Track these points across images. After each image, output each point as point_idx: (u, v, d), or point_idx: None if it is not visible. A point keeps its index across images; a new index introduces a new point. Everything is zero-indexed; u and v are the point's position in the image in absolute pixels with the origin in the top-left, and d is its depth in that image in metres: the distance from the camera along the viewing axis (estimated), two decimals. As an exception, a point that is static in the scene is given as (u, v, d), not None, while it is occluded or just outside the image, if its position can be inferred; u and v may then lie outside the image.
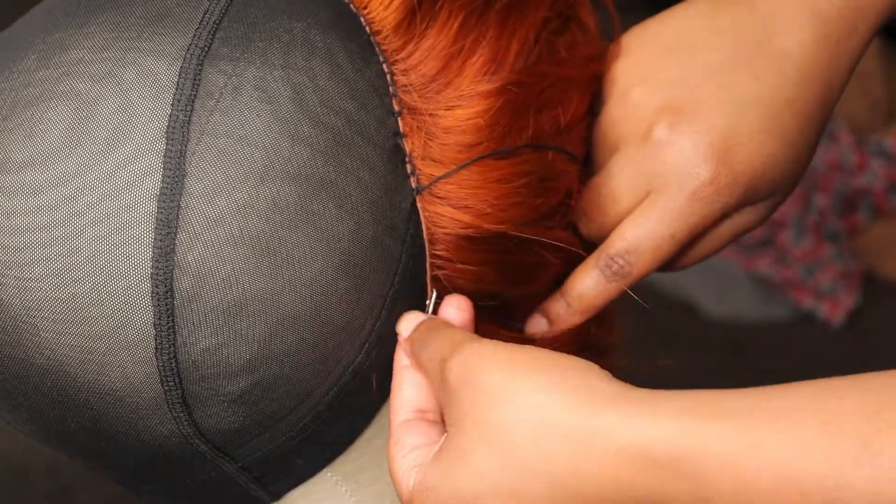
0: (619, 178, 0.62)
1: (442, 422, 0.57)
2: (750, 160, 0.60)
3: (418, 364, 0.57)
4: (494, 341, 0.55)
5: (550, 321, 0.64)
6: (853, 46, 0.63)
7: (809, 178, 2.08)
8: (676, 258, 0.65)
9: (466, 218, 0.59)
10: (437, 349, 0.55)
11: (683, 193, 0.61)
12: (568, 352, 0.56)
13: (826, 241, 2.14)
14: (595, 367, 0.52)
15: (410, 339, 0.58)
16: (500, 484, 0.51)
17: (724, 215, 0.62)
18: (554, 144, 0.62)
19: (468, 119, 0.58)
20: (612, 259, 0.62)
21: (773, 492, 0.46)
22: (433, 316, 0.59)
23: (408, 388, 0.58)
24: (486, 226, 0.59)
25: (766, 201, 0.63)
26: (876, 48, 2.09)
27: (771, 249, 2.14)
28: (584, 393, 0.51)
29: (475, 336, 0.56)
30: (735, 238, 0.65)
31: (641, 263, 0.62)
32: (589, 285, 0.63)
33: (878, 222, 2.17)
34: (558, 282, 0.64)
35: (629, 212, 0.62)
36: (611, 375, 0.52)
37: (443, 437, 0.54)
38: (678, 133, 0.61)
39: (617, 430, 0.49)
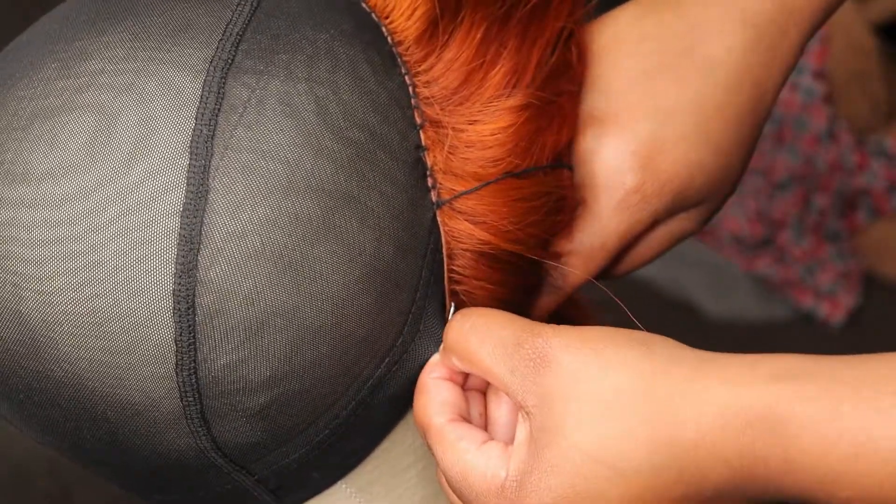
0: None
1: (475, 424, 0.58)
2: (675, 167, 0.61)
3: (471, 357, 0.57)
4: (564, 325, 0.55)
5: None
6: (785, 50, 0.63)
7: (809, 178, 2.08)
8: (612, 266, 0.65)
9: (485, 235, 0.59)
10: (507, 335, 0.55)
11: (611, 203, 0.61)
12: None
13: (826, 241, 2.14)
14: (670, 339, 0.54)
15: (459, 332, 0.57)
16: (601, 453, 0.52)
17: (656, 222, 0.63)
18: (568, 160, 0.62)
19: (491, 134, 0.58)
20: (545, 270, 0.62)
21: (854, 456, 0.48)
22: (484, 309, 0.59)
23: (445, 391, 0.58)
24: (503, 244, 0.59)
25: (700, 207, 0.64)
26: (876, 48, 2.09)
27: (771, 249, 2.13)
28: (673, 362, 0.52)
29: (539, 322, 0.56)
30: (672, 244, 0.65)
31: (573, 275, 0.62)
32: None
33: (878, 222, 2.17)
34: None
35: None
36: (685, 345, 0.53)
37: (525, 424, 0.54)
38: (602, 143, 0.61)
39: (712, 395, 0.51)
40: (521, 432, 0.54)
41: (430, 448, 0.58)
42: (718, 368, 0.51)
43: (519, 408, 0.55)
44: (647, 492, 0.52)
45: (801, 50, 0.64)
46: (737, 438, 0.50)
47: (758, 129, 0.64)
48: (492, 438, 0.57)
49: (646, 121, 0.61)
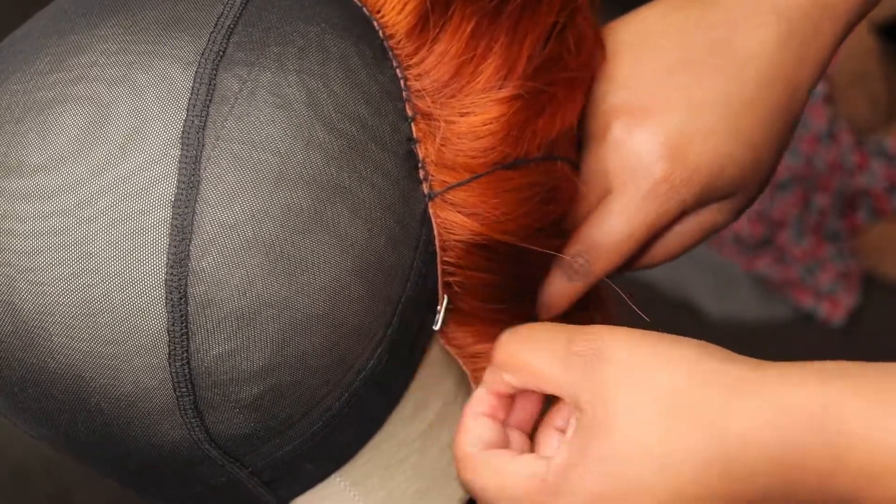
0: (583, 177, 0.63)
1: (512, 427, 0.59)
2: (705, 159, 0.61)
3: (523, 366, 0.57)
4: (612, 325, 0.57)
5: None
6: (819, 46, 0.63)
7: (809, 178, 2.08)
8: (640, 256, 0.65)
9: (477, 226, 0.59)
10: (558, 337, 0.56)
11: (640, 192, 0.61)
12: None
13: (826, 241, 2.14)
14: (718, 347, 0.55)
15: (508, 345, 0.58)
16: (652, 447, 0.53)
17: (684, 212, 0.63)
18: (561, 151, 0.62)
19: (482, 125, 0.58)
20: (572, 258, 0.62)
21: None
22: (530, 323, 0.60)
23: (483, 427, 0.58)
24: (496, 235, 0.59)
25: (729, 201, 0.64)
26: (876, 48, 2.09)
27: (771, 249, 2.14)
28: (728, 361, 0.53)
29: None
30: (702, 237, 0.65)
31: (601, 263, 0.62)
32: (552, 286, 0.63)
33: (878, 222, 2.17)
34: None
35: (590, 210, 0.63)
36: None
37: (575, 421, 0.55)
38: (632, 133, 0.62)
39: (765, 394, 0.51)
40: (571, 429, 0.55)
41: (465, 483, 0.58)
42: (771, 370, 0.52)
43: (572, 408, 0.55)
44: (693, 486, 0.52)
45: (836, 47, 0.63)
46: (787, 436, 0.51)
47: (791, 125, 0.64)
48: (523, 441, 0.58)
49: (676, 113, 0.61)
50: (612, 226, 0.62)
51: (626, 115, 0.62)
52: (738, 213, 0.65)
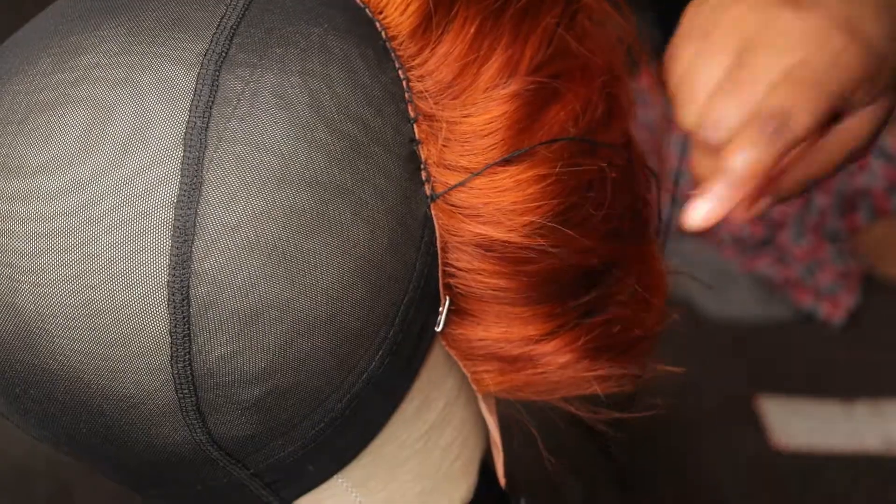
0: (760, 68, 0.60)
1: None
2: (872, 40, 0.61)
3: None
4: None
5: (712, 204, 0.59)
6: None
7: (810, 178, 2.08)
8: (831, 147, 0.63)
9: (479, 227, 0.59)
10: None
11: (824, 58, 0.60)
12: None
13: (826, 241, 2.14)
14: None
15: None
16: None
17: (854, 94, 0.61)
18: (574, 135, 0.61)
19: (485, 124, 0.58)
20: (768, 120, 0.58)
21: None
22: None
23: None
24: (496, 235, 0.59)
25: (881, 101, 0.63)
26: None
27: (771, 249, 2.14)
28: None
29: None
30: (865, 141, 0.63)
31: (800, 119, 0.58)
32: (748, 154, 0.58)
33: (878, 222, 2.17)
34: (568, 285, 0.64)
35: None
36: None
37: None
38: (804, 13, 0.61)
39: None
40: None
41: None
42: None
43: None
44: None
45: None
46: None
47: None
48: None
49: (840, 3, 0.61)
50: (806, 84, 0.59)
51: (791, 4, 0.61)
52: (882, 122, 0.64)
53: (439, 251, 0.59)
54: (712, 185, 0.59)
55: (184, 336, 0.53)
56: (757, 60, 0.60)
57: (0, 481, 1.73)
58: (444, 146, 0.58)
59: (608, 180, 0.63)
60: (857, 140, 0.63)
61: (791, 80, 0.59)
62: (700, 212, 0.58)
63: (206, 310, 0.53)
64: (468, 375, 0.63)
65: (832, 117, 0.62)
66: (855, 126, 0.63)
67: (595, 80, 0.63)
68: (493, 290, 0.62)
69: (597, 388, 0.66)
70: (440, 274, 0.59)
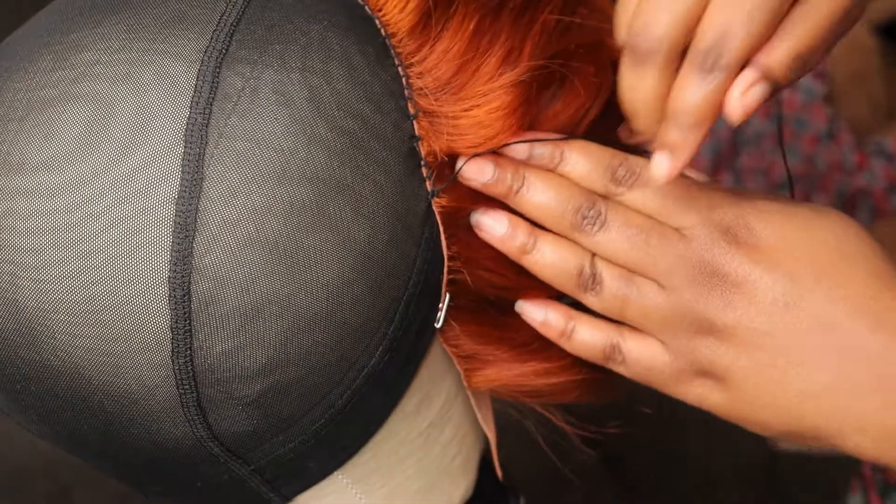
0: None
1: None
2: None
3: None
4: None
5: (672, 154, 0.57)
6: None
7: (809, 178, 2.08)
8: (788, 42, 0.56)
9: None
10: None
11: None
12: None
13: (826, 242, 2.14)
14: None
15: None
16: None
17: None
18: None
19: (485, 115, 0.58)
20: (703, 52, 0.54)
21: None
22: None
23: None
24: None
25: None
26: (876, 48, 2.10)
27: (771, 249, 2.14)
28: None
29: None
30: (841, 17, 0.55)
31: (737, 44, 0.54)
32: (691, 94, 0.55)
33: (878, 222, 2.17)
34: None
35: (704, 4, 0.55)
36: None
37: None
38: None
39: None
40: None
41: None
42: None
43: None
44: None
45: None
46: None
47: None
48: None
49: None
50: (739, 2, 0.53)
51: None
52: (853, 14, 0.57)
53: (443, 248, 0.59)
54: (665, 135, 0.57)
55: (185, 332, 0.53)
56: None
57: (0, 481, 1.73)
58: (444, 142, 0.58)
59: None
60: (840, 5, 0.55)
61: None
62: (662, 165, 0.57)
63: (207, 306, 0.53)
64: (461, 373, 0.64)
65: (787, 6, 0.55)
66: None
67: (595, 68, 0.63)
68: (494, 287, 0.62)
69: (593, 389, 0.66)
70: (444, 270, 0.59)
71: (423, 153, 0.58)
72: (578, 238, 0.60)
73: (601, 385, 0.66)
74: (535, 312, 0.62)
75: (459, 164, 0.59)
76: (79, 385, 0.55)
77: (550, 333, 0.62)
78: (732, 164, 2.08)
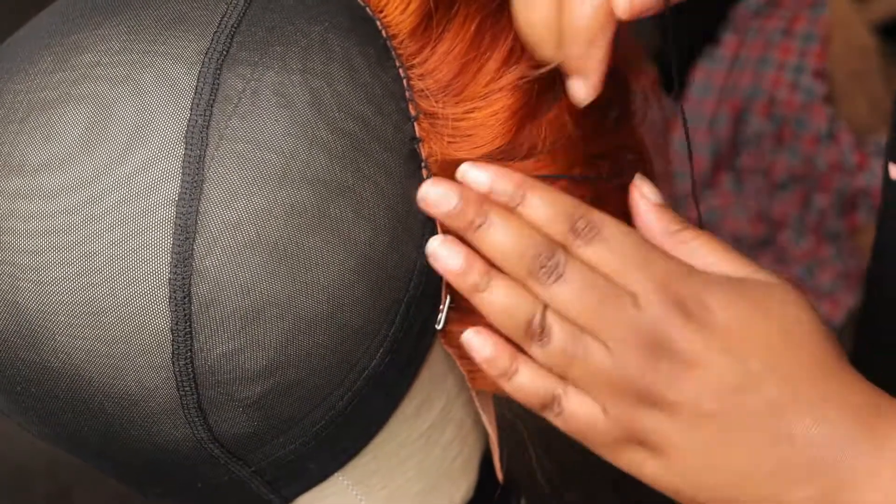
0: None
1: None
2: None
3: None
4: None
5: (583, 77, 0.58)
6: None
7: (809, 178, 2.08)
8: None
9: None
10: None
11: None
12: None
13: (826, 241, 2.14)
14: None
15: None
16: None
17: None
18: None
19: (487, 118, 0.58)
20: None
21: None
22: None
23: None
24: None
25: None
26: (876, 48, 2.10)
27: (771, 249, 2.14)
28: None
29: None
30: None
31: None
32: (579, 11, 0.56)
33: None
34: None
35: None
36: None
37: None
38: None
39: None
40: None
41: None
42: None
43: None
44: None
45: None
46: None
47: None
48: None
49: None
50: None
51: None
52: None
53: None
54: (569, 59, 0.57)
55: (185, 333, 0.53)
56: None
57: (0, 481, 1.73)
58: (444, 144, 0.58)
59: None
60: None
61: None
62: (579, 89, 0.58)
63: (207, 307, 0.53)
64: (465, 374, 0.64)
65: None
66: None
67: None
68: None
69: None
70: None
71: (423, 155, 0.58)
72: (533, 285, 0.58)
73: None
74: (481, 348, 0.59)
75: (423, 188, 0.57)
76: (79, 387, 0.55)
77: (492, 371, 0.59)
78: (732, 163, 2.08)
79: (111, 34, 0.55)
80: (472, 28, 0.59)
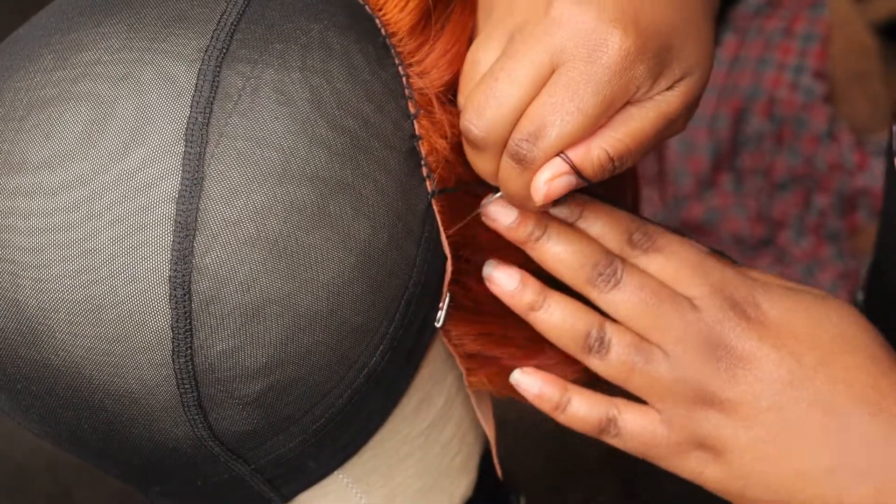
0: (519, 60, 0.56)
1: None
2: (655, 26, 0.56)
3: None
4: None
5: (493, 222, 0.60)
6: None
7: (809, 178, 2.08)
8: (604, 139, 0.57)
9: (479, 221, 0.59)
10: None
11: (591, 65, 0.55)
12: None
13: (826, 241, 2.14)
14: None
15: None
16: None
17: (638, 89, 0.56)
18: None
19: None
20: (517, 143, 0.56)
21: None
22: None
23: None
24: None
25: (681, 84, 0.58)
26: (876, 48, 2.10)
27: (771, 249, 2.14)
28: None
29: None
30: (665, 127, 0.58)
31: (548, 141, 0.55)
32: (510, 181, 0.57)
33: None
34: None
35: (532, 95, 0.56)
36: None
37: None
38: (580, 5, 0.56)
39: None
40: None
41: None
42: None
43: None
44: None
45: None
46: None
47: (713, 12, 0.60)
48: None
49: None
50: (558, 101, 0.55)
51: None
52: (690, 103, 0.59)
53: (445, 244, 0.59)
54: (486, 210, 0.60)
55: (185, 331, 0.53)
56: (518, 50, 0.56)
57: (0, 481, 1.73)
58: (444, 141, 0.58)
59: None
60: (669, 113, 0.58)
61: (548, 92, 0.56)
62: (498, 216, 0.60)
63: (207, 305, 0.53)
64: (463, 373, 0.64)
65: (609, 113, 0.57)
66: (663, 102, 0.57)
67: None
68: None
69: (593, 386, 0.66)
70: (448, 268, 0.59)
71: (423, 152, 0.58)
72: (591, 293, 0.60)
73: (601, 381, 0.66)
74: (530, 387, 0.62)
75: (485, 202, 0.60)
76: (79, 384, 0.55)
77: (544, 406, 0.62)
78: (732, 164, 2.08)
79: (111, 32, 0.55)
80: (470, 26, 0.59)
